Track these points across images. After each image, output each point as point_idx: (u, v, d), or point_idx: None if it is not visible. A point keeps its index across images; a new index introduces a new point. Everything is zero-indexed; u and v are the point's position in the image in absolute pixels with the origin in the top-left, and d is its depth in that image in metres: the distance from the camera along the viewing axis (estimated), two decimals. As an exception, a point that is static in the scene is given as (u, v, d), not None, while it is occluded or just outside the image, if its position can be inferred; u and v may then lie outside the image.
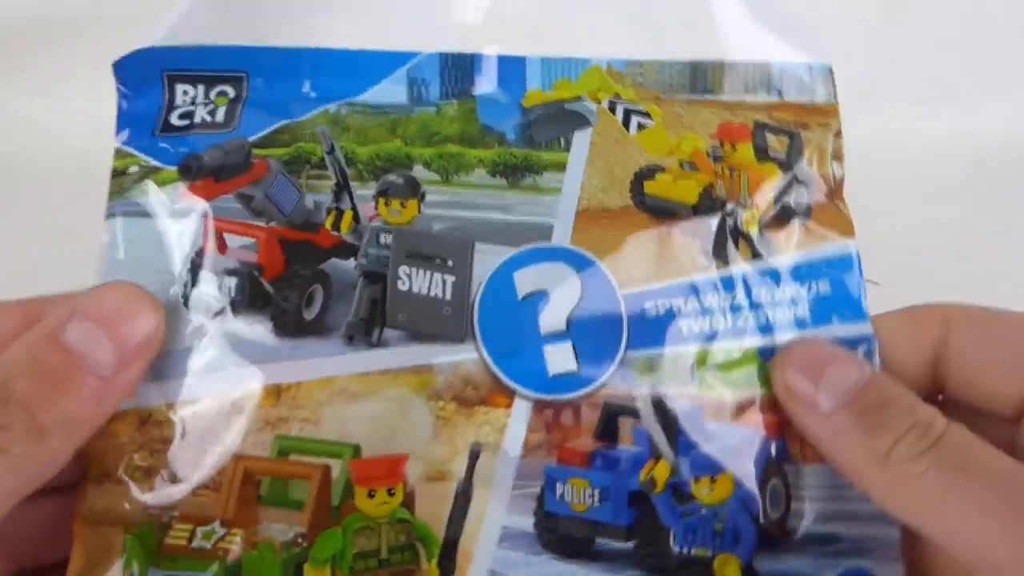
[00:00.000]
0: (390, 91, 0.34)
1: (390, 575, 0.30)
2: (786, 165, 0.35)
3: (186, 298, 0.31)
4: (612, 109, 0.35)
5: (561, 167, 0.33)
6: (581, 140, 0.34)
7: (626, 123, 0.34)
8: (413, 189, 0.33)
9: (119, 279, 0.31)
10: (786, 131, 0.35)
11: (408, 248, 0.32)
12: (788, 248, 0.34)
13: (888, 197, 0.48)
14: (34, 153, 0.56)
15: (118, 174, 0.32)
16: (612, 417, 0.31)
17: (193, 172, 0.32)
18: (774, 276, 0.33)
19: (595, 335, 0.32)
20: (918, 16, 0.59)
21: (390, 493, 0.30)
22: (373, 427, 0.30)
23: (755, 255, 0.33)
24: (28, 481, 0.24)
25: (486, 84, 0.35)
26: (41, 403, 0.24)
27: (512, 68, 0.35)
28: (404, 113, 0.34)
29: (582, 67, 0.35)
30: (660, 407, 0.31)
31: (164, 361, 0.30)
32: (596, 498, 0.31)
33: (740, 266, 0.33)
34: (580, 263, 0.32)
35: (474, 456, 0.30)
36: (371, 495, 0.30)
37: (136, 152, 0.32)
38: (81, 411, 0.25)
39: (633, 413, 0.31)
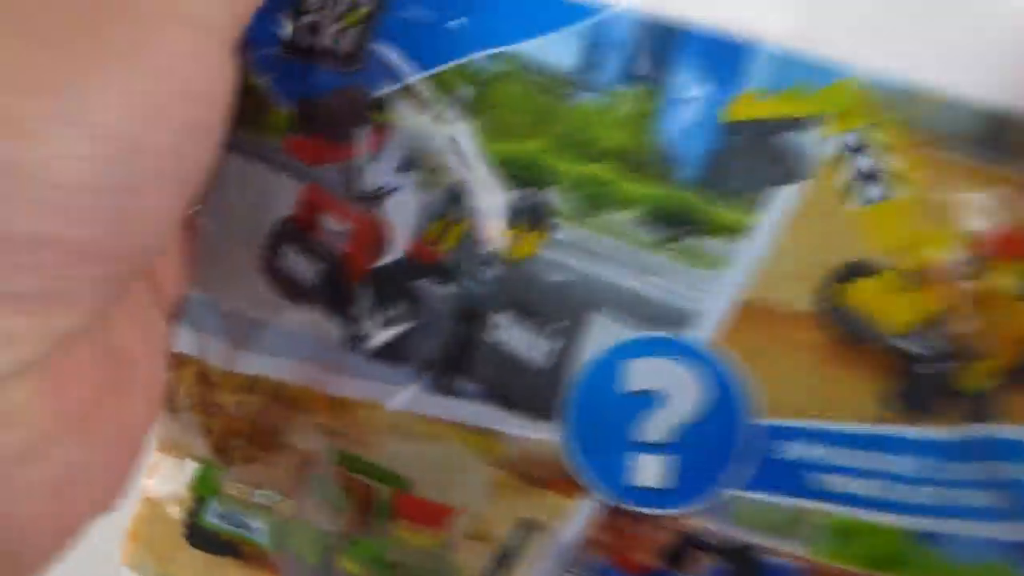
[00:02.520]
0: (557, 48, 0.24)
1: (422, 581, 0.28)
2: None
3: (265, 266, 0.27)
4: (846, 157, 0.24)
5: (738, 234, 0.24)
6: (781, 200, 0.24)
7: (854, 189, 0.24)
8: (540, 218, 0.25)
9: (211, 219, 0.27)
10: None
11: (514, 295, 0.25)
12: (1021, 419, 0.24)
13: None
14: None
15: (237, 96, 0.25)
16: (687, 546, 0.26)
17: (307, 123, 0.26)
18: (994, 448, 0.24)
19: (703, 460, 0.25)
20: None
21: (433, 536, 0.27)
22: (427, 470, 0.27)
23: (974, 417, 0.24)
24: None
25: (686, 70, 0.24)
26: None
27: (728, 55, 0.24)
28: (561, 98, 0.24)
29: (831, 76, 0.24)
30: (748, 559, 0.26)
31: (230, 321, 0.27)
32: (644, 608, 0.27)
33: (941, 428, 0.24)
34: (714, 373, 0.25)
35: (526, 530, 0.27)
36: (413, 530, 0.27)
37: (259, 77, 0.26)
38: None
39: (713, 551, 0.26)
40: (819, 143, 0.23)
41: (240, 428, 0.27)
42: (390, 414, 0.26)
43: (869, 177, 0.23)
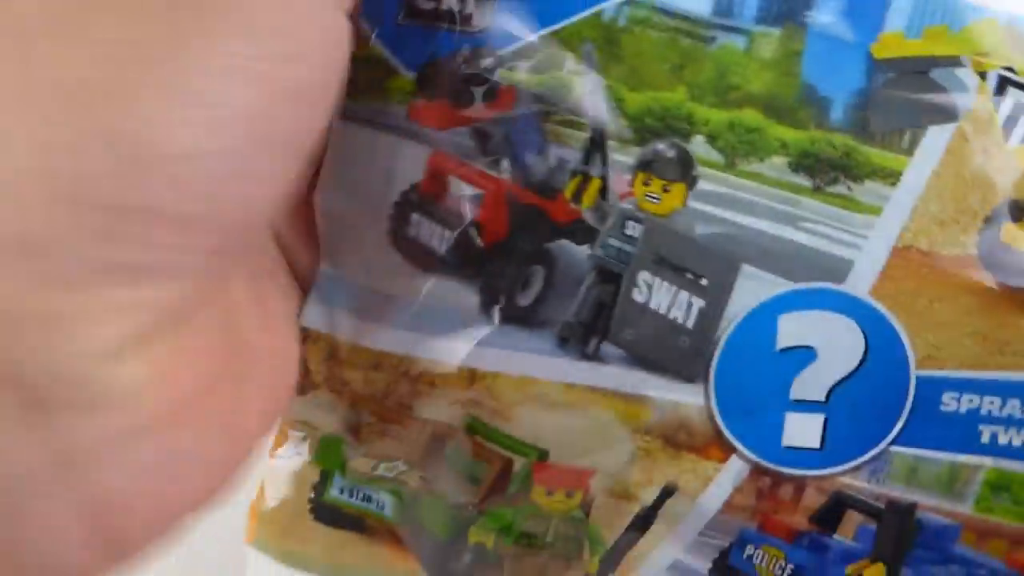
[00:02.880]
0: None
1: (550, 556, 0.27)
2: None
3: (393, 238, 0.26)
4: (999, 93, 0.23)
5: (893, 177, 0.23)
6: (935, 140, 0.23)
7: (1010, 124, 0.23)
8: (684, 170, 0.24)
9: (336, 198, 0.26)
10: None
11: (658, 251, 0.24)
12: None
13: None
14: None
15: (357, 64, 0.24)
16: (840, 508, 0.25)
17: (431, 87, 0.24)
18: None
19: (859, 416, 0.24)
20: None
21: (569, 495, 0.26)
22: (567, 439, 0.26)
23: None
24: None
25: (829, 8, 0.23)
26: None
27: None
28: (701, 41, 0.23)
29: (972, 15, 0.23)
30: (906, 515, 0.24)
31: (359, 295, 0.26)
32: (787, 573, 0.25)
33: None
34: (874, 324, 0.24)
35: (666, 494, 0.25)
36: (549, 493, 0.26)
37: (377, 43, 0.25)
38: None
39: (868, 511, 0.25)
40: (970, 82, 0.22)
41: (370, 404, 0.26)
42: (530, 383, 0.25)
43: (1022, 116, 0.22)
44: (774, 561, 0.25)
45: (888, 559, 0.24)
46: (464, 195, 0.24)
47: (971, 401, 0.23)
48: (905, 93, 0.22)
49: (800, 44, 0.22)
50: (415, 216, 0.25)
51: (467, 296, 0.25)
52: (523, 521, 0.26)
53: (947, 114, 0.22)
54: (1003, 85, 0.22)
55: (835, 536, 0.24)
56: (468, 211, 0.24)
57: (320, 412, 0.26)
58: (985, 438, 0.23)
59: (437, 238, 0.25)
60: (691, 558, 0.25)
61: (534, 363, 0.25)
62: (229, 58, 0.18)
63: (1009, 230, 0.22)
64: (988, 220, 0.22)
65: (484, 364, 0.25)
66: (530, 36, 0.23)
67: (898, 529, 0.24)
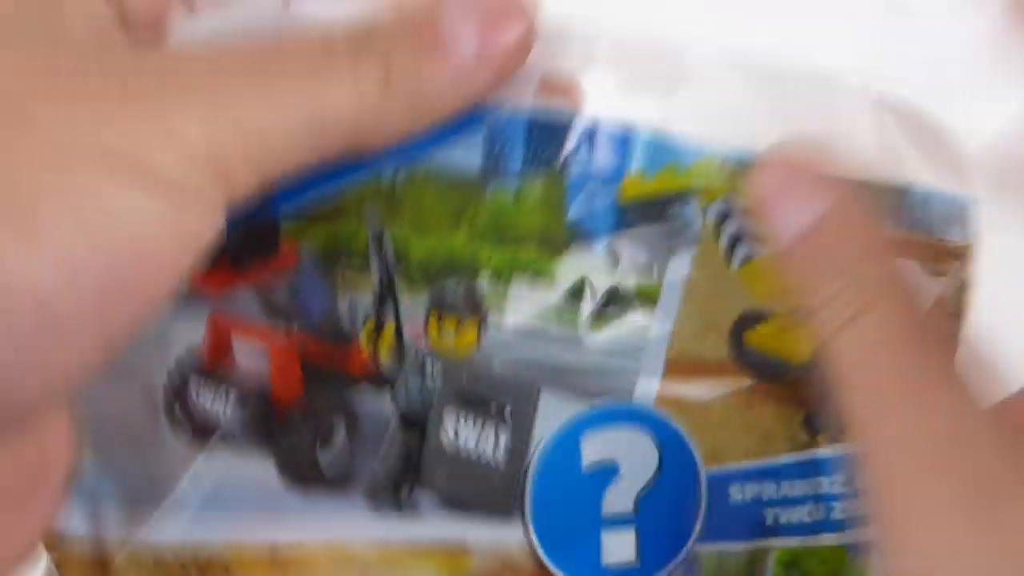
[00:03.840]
0: (462, 153, 0.25)
1: None
2: None
3: (171, 414, 0.22)
4: (720, 224, 0.26)
5: (652, 302, 0.25)
6: (677, 268, 0.26)
7: (730, 250, 0.26)
8: (475, 307, 0.24)
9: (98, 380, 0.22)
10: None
11: (459, 388, 0.24)
12: None
13: None
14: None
15: None
16: None
17: (212, 252, 0.23)
18: None
19: (665, 521, 0.24)
20: None
21: None
22: None
23: None
24: (360, 133, 0.21)
25: (582, 156, 0.25)
26: (400, 60, 0.21)
27: (614, 141, 0.26)
28: (475, 190, 0.24)
29: (697, 155, 0.26)
30: None
31: (138, 485, 0.22)
32: None
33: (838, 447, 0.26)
34: (662, 431, 0.25)
35: None
36: None
37: None
38: (432, 88, 0.21)
39: None
40: (698, 214, 0.26)
41: None
42: (342, 550, 0.23)
43: (739, 240, 0.26)
44: None
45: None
46: (250, 355, 0.23)
47: (753, 490, 0.25)
48: (651, 229, 0.25)
49: (562, 189, 0.24)
50: (195, 384, 0.23)
51: (262, 465, 0.22)
52: None
53: (686, 244, 0.25)
54: (723, 217, 0.26)
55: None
56: (256, 372, 0.23)
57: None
58: (769, 521, 0.24)
59: (221, 405, 0.22)
60: None
61: (345, 527, 0.23)
62: (43, 252, 0.17)
63: (748, 336, 0.25)
64: (731, 330, 0.25)
65: (288, 537, 0.22)
66: (312, 199, 0.23)
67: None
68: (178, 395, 0.22)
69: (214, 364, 0.22)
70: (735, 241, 0.25)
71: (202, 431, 0.22)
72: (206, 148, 0.18)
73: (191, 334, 0.22)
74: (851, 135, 0.27)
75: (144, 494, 0.22)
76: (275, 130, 0.19)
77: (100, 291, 0.18)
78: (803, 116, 0.26)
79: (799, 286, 0.21)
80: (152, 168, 0.18)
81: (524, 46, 0.22)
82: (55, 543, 0.22)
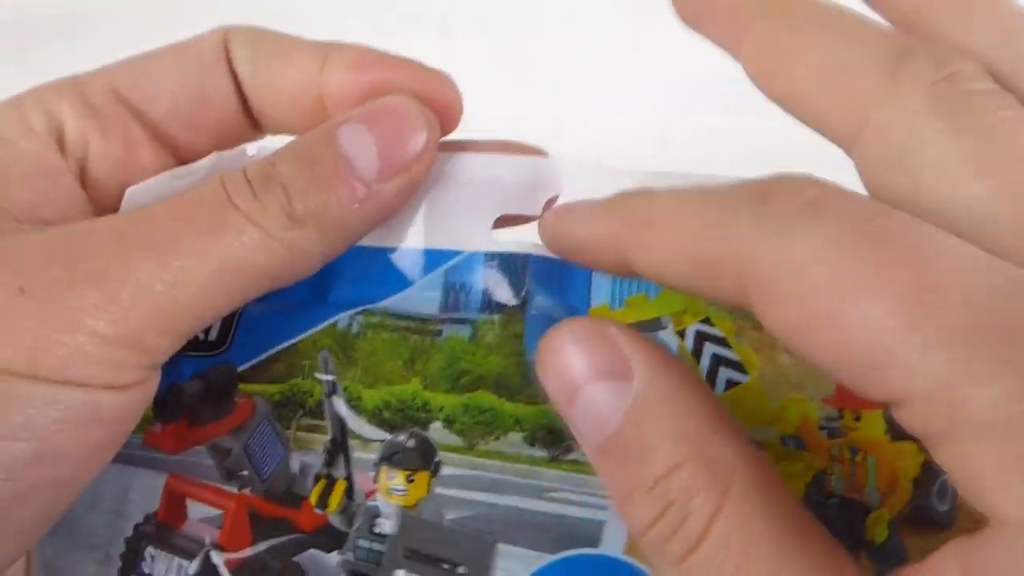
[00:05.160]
0: (420, 297, 0.24)
1: None
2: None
3: None
4: (697, 352, 0.24)
5: (623, 437, 0.23)
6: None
7: (712, 376, 0.23)
8: (425, 458, 0.23)
9: (54, 545, 0.23)
10: None
11: (410, 544, 0.22)
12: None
13: None
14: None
15: None
16: None
17: (169, 411, 0.23)
18: None
19: None
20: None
21: None
22: None
23: (877, 570, 0.22)
24: (275, 270, 0.21)
25: (541, 294, 0.24)
26: (299, 187, 0.21)
27: (575, 276, 0.24)
28: (429, 335, 0.23)
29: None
30: None
31: None
32: None
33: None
34: None
35: None
36: None
37: None
38: (336, 209, 0.21)
39: None
40: (672, 340, 0.24)
41: None
42: None
43: (721, 364, 0.24)
44: None
45: None
46: (204, 518, 0.22)
47: None
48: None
49: (519, 327, 0.23)
50: (150, 550, 0.22)
51: (214, 631, 0.22)
52: None
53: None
54: (700, 341, 0.24)
55: None
56: (208, 534, 0.22)
57: None
58: None
59: (175, 571, 0.22)
60: None
61: None
62: None
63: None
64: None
65: None
66: (269, 351, 0.23)
67: None
68: (134, 562, 0.22)
69: (168, 528, 0.22)
70: (717, 364, 0.23)
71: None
72: (110, 327, 0.19)
73: (151, 497, 0.22)
74: None
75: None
76: (183, 291, 0.19)
77: (32, 481, 0.18)
78: None
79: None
80: (57, 363, 0.18)
81: (428, 154, 0.22)
82: None
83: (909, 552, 0.23)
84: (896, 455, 0.23)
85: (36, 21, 0.46)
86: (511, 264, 0.24)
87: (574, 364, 0.18)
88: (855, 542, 0.23)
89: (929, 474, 0.23)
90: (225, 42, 0.24)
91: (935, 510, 0.23)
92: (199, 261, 0.19)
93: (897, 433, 0.23)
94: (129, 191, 0.23)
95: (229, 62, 0.23)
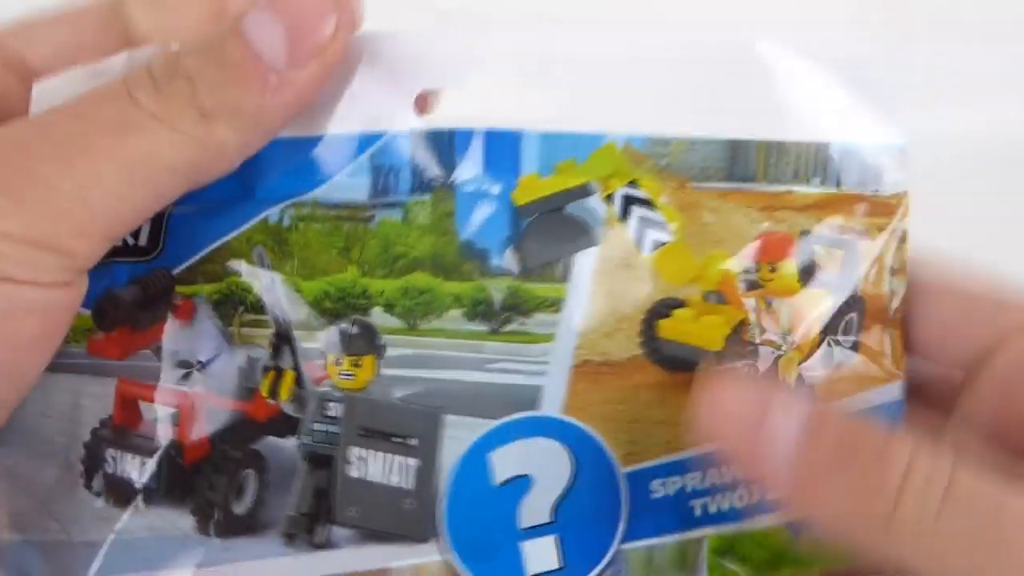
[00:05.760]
0: (348, 184, 0.24)
1: None
2: (837, 288, 0.25)
3: (88, 481, 0.23)
4: (625, 212, 0.25)
5: (556, 305, 0.24)
6: (583, 265, 0.24)
7: (639, 238, 0.24)
8: (370, 342, 0.23)
9: (14, 458, 0.23)
10: (838, 241, 0.25)
11: (362, 423, 0.23)
12: (829, 396, 0.25)
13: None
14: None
15: None
16: None
17: (109, 319, 0.23)
18: None
19: (587, 525, 0.24)
20: None
21: None
22: None
23: None
24: (190, 167, 0.20)
25: (469, 167, 0.24)
26: (207, 81, 0.20)
27: (503, 146, 0.24)
28: (362, 222, 0.24)
29: (592, 145, 0.25)
30: None
31: (63, 554, 0.23)
32: None
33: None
34: (573, 437, 0.24)
35: None
36: None
37: None
38: (247, 101, 0.20)
39: None
40: (599, 208, 0.24)
41: None
42: (265, 593, 0.23)
43: (647, 225, 0.25)
44: None
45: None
46: (159, 417, 0.23)
47: (676, 483, 0.24)
48: (550, 230, 0.24)
49: (451, 205, 0.23)
50: (110, 452, 0.23)
51: (179, 520, 0.23)
52: None
53: (587, 241, 0.24)
54: (627, 204, 0.24)
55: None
56: (166, 432, 0.23)
57: None
58: (698, 511, 0.24)
59: (137, 469, 0.23)
60: None
61: (264, 570, 0.23)
62: None
63: (661, 326, 0.24)
64: (644, 322, 0.24)
65: (213, 585, 0.23)
66: (205, 249, 0.23)
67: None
68: (96, 464, 0.22)
69: (125, 429, 0.23)
70: (644, 227, 0.24)
71: (121, 497, 0.23)
72: (21, 230, 0.18)
73: (103, 403, 0.23)
74: (760, 95, 0.25)
75: (69, 564, 0.22)
76: (93, 192, 0.19)
77: None
78: (716, 78, 0.24)
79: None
80: None
81: (340, 37, 0.21)
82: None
83: (816, 391, 0.25)
84: (807, 301, 0.25)
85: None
86: (436, 141, 0.24)
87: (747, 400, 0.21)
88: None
89: (836, 316, 0.25)
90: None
91: (841, 350, 0.25)
92: (106, 161, 0.19)
93: (807, 278, 0.25)
94: (37, 88, 0.22)
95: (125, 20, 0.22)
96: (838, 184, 0.25)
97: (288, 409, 0.23)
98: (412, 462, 0.23)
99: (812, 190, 0.25)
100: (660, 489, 0.24)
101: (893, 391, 0.26)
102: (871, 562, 0.21)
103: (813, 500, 0.20)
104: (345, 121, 0.23)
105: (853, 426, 0.21)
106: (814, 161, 0.25)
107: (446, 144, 0.24)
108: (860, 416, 0.23)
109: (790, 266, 0.25)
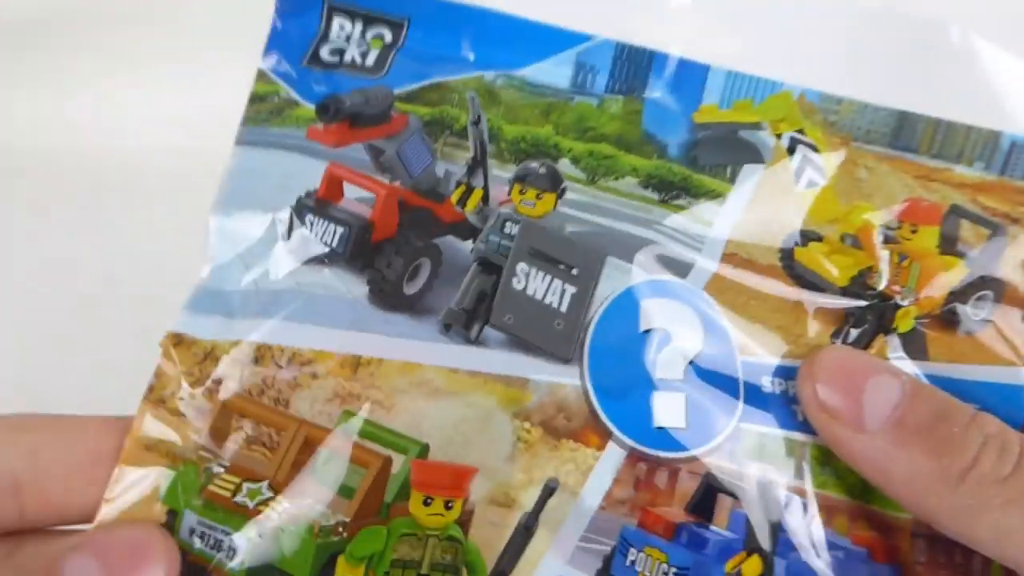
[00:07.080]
0: (553, 71, 0.27)
1: (425, 589, 0.23)
2: (976, 263, 0.27)
3: (287, 237, 0.25)
4: (791, 150, 0.28)
5: (720, 199, 0.26)
6: (749, 176, 0.27)
7: (799, 173, 0.27)
8: (553, 182, 0.26)
9: (228, 212, 0.25)
10: (988, 222, 0.27)
11: (533, 245, 0.25)
12: (941, 356, 0.27)
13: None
14: (39, 150, 0.49)
15: (256, 100, 0.26)
16: (711, 492, 0.24)
17: (331, 114, 0.26)
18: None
19: (710, 396, 0.25)
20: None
21: (448, 506, 0.23)
22: (448, 431, 0.24)
23: (906, 353, 0.26)
24: None
25: (659, 87, 0.28)
26: None
27: (691, 75, 0.28)
28: (563, 98, 0.27)
29: (770, 90, 0.28)
30: (767, 496, 0.24)
31: (242, 299, 0.24)
32: (670, 576, 0.24)
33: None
34: (706, 313, 0.25)
35: (547, 493, 0.24)
36: (427, 503, 0.23)
37: (279, 81, 0.26)
38: None
39: (735, 494, 0.24)
40: (769, 139, 0.28)
41: (243, 404, 0.24)
42: (414, 369, 0.24)
43: (807, 164, 0.28)
44: (656, 566, 0.24)
45: (760, 548, 0.24)
46: (358, 198, 0.25)
47: (782, 384, 0.25)
48: (723, 143, 0.27)
49: (639, 106, 0.27)
50: (310, 217, 0.25)
51: (354, 286, 0.25)
52: (397, 545, 0.24)
53: (756, 157, 0.27)
54: (794, 143, 0.28)
55: (711, 527, 0.24)
56: (362, 211, 0.25)
57: (185, 423, 0.24)
58: (799, 417, 0.25)
59: (330, 235, 0.25)
60: (573, 572, 0.24)
61: (418, 349, 0.24)
62: None
63: (797, 251, 0.27)
64: (785, 242, 0.27)
65: (369, 351, 0.24)
66: (422, 82, 0.27)
67: (763, 510, 0.24)
68: (295, 227, 0.25)
69: (327, 203, 0.25)
70: (804, 164, 0.27)
71: (310, 255, 0.25)
72: None
73: (311, 178, 0.25)
74: (942, 75, 0.28)
75: (254, 304, 0.24)
76: None
77: None
78: (894, 56, 0.28)
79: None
80: None
81: None
82: (176, 340, 0.24)
83: (929, 345, 0.27)
84: (941, 266, 0.27)
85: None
86: (635, 57, 0.28)
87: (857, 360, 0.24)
88: (880, 328, 0.26)
89: (968, 287, 0.27)
90: None
91: (969, 319, 0.27)
92: None
93: (947, 247, 0.27)
94: None
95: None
96: (1001, 172, 0.27)
97: (472, 219, 0.25)
98: (570, 288, 0.25)
99: (974, 172, 0.27)
100: (770, 385, 0.25)
101: (1018, 375, 0.27)
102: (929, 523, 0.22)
103: (898, 457, 0.22)
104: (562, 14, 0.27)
105: (946, 398, 0.23)
106: (982, 147, 0.27)
107: (643, 62, 0.28)
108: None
109: (932, 232, 0.27)
